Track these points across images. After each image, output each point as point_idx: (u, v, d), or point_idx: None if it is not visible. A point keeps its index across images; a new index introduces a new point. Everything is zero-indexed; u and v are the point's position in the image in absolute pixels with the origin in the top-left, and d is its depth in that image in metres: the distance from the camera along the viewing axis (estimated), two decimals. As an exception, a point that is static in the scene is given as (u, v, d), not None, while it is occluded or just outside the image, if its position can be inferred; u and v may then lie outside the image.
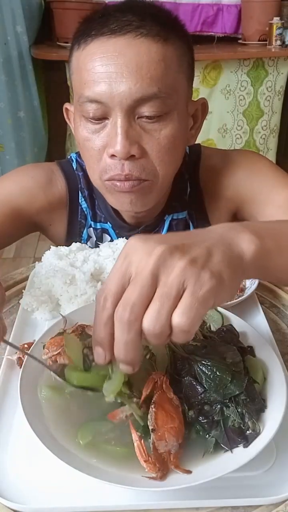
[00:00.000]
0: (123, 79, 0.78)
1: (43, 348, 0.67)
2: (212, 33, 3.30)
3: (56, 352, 0.63)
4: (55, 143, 3.48)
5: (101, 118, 0.83)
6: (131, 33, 0.79)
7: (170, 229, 1.07)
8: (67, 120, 1.00)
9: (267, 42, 3.12)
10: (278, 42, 3.08)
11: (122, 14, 0.81)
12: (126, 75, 0.78)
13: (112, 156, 0.84)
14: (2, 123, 3.13)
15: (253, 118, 3.22)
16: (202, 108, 0.96)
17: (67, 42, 2.99)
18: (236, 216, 1.10)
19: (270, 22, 3.06)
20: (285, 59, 3.07)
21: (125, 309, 0.46)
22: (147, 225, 1.04)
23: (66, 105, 0.98)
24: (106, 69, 0.79)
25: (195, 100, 0.94)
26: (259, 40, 3.18)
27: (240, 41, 3.30)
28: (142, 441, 0.54)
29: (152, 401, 0.56)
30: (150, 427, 0.55)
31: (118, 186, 0.88)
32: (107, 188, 0.90)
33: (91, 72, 0.80)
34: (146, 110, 0.81)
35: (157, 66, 0.79)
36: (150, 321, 0.45)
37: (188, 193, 1.07)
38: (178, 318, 0.45)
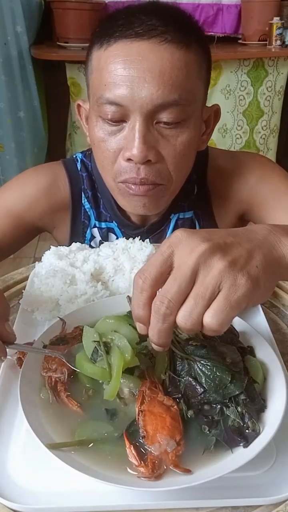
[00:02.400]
0: (146, 84, 0.78)
1: (43, 347, 0.67)
2: (212, 33, 3.30)
3: (56, 375, 0.63)
4: (55, 143, 3.48)
5: (119, 120, 0.83)
6: (156, 38, 0.78)
7: (175, 228, 1.07)
8: (78, 116, 0.99)
9: (267, 42, 3.12)
10: (278, 42, 3.07)
11: (147, 17, 0.80)
12: (149, 80, 0.78)
13: (128, 159, 0.84)
14: (2, 123, 3.13)
15: (253, 118, 3.22)
16: (215, 115, 0.96)
17: (67, 42, 2.99)
18: (243, 218, 1.11)
19: (270, 22, 3.06)
20: (285, 59, 3.07)
21: (163, 303, 0.49)
22: (152, 223, 1.05)
23: (79, 102, 0.97)
24: (129, 72, 0.78)
25: (209, 106, 0.94)
26: (259, 40, 3.18)
27: (240, 41, 3.30)
28: (132, 448, 0.54)
29: (139, 410, 0.57)
30: (141, 435, 0.55)
31: (133, 189, 0.88)
32: (120, 190, 0.91)
33: (113, 74, 0.80)
34: (165, 116, 0.81)
35: (179, 73, 0.79)
36: (183, 317, 0.49)
37: (195, 193, 1.07)
38: (209, 319, 0.48)
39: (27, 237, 1.11)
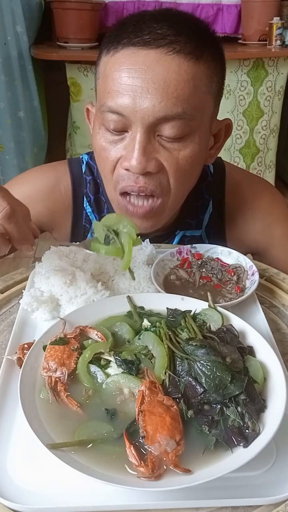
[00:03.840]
0: (148, 95, 0.76)
1: (44, 350, 0.67)
2: (212, 33, 3.30)
3: (56, 375, 0.63)
4: (55, 143, 3.48)
5: (121, 130, 0.82)
6: (163, 48, 0.76)
7: (180, 244, 1.06)
8: (87, 120, 0.98)
9: (267, 42, 3.12)
10: (278, 42, 3.08)
11: (158, 24, 0.77)
12: (152, 91, 0.76)
13: (127, 169, 0.83)
14: (2, 123, 3.13)
15: (253, 118, 3.22)
16: (226, 129, 0.93)
17: (67, 42, 2.99)
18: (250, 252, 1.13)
19: (270, 22, 3.06)
20: (285, 59, 3.07)
21: None
22: (157, 236, 1.03)
23: (88, 106, 0.96)
24: (132, 81, 0.76)
25: (220, 120, 0.91)
26: (259, 40, 3.18)
27: (240, 41, 3.30)
28: (132, 448, 0.54)
29: (139, 410, 0.57)
30: (141, 435, 0.55)
31: (130, 211, 0.88)
32: (119, 205, 0.90)
33: (117, 82, 0.78)
34: (167, 129, 0.79)
35: (185, 86, 0.76)
36: None
37: (210, 213, 1.06)
38: None
39: None
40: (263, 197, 1.08)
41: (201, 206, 1.06)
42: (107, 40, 0.82)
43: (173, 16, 0.82)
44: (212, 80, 0.82)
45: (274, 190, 1.13)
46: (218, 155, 1.11)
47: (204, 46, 0.79)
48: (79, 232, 1.09)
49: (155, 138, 0.81)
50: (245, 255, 1.11)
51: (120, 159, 0.84)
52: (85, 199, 1.07)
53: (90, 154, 1.08)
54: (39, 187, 1.05)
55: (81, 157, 1.09)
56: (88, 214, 1.07)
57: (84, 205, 1.07)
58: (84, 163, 1.08)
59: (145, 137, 0.79)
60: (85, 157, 1.09)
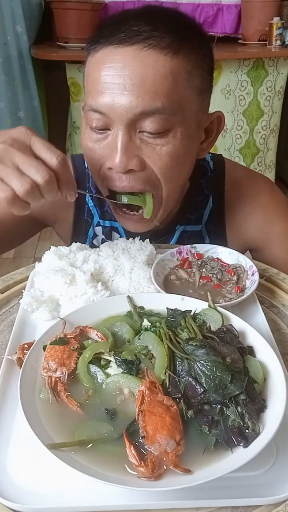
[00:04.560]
0: (126, 91, 0.76)
1: (44, 350, 0.67)
2: (212, 33, 3.30)
3: (56, 375, 0.63)
4: (55, 143, 3.45)
5: (104, 128, 0.82)
6: (139, 44, 0.76)
7: (181, 239, 1.07)
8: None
9: (267, 42, 3.12)
10: (278, 42, 3.08)
11: (136, 21, 0.78)
12: (129, 87, 0.76)
13: (110, 169, 0.83)
14: (2, 123, 3.13)
15: (253, 118, 3.22)
16: (218, 122, 0.93)
17: (67, 42, 2.99)
18: (248, 249, 1.14)
19: (270, 22, 3.06)
20: (285, 59, 3.07)
21: None
22: (157, 230, 1.04)
23: (83, 105, 0.97)
24: (111, 79, 0.77)
25: (211, 112, 0.91)
26: (259, 40, 3.18)
27: (240, 41, 3.30)
28: (132, 448, 0.54)
29: (139, 410, 0.57)
30: (141, 435, 0.55)
31: (121, 216, 0.91)
32: (112, 206, 0.92)
33: (96, 81, 0.79)
34: (147, 125, 0.79)
35: (163, 80, 0.77)
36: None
37: (210, 209, 1.07)
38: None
39: (27, 229, 1.11)
40: (263, 193, 1.08)
41: (201, 202, 1.07)
42: (89, 42, 0.84)
43: (153, 12, 0.83)
44: (193, 74, 0.81)
45: (274, 187, 1.14)
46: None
47: (182, 40, 0.79)
48: (81, 226, 1.09)
49: (136, 135, 0.81)
50: (244, 251, 1.12)
51: (104, 158, 0.84)
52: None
53: None
54: None
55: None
56: (90, 208, 1.08)
57: (87, 199, 1.08)
58: None
59: (126, 134, 0.80)
60: None
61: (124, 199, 0.86)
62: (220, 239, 1.08)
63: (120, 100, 0.77)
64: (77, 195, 0.76)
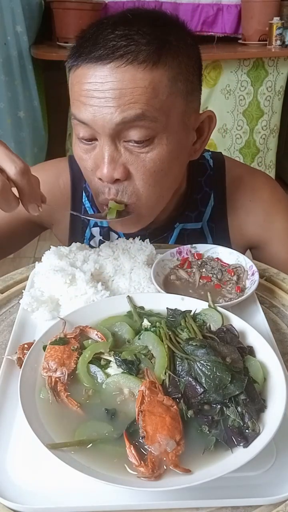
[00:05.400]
0: (106, 103, 0.77)
1: (44, 350, 0.67)
2: (212, 33, 3.31)
3: (56, 375, 0.63)
4: (55, 143, 3.48)
5: (91, 139, 0.83)
6: (116, 61, 0.76)
7: (180, 237, 1.07)
8: None
9: (267, 42, 3.12)
10: (278, 42, 3.08)
11: (113, 34, 0.78)
12: (109, 100, 0.77)
13: (100, 179, 0.84)
14: (2, 123, 3.13)
15: (253, 118, 3.22)
16: (209, 121, 0.92)
17: (67, 42, 2.99)
18: (249, 247, 1.14)
19: (270, 22, 3.06)
20: (285, 59, 3.07)
21: None
22: (156, 228, 1.04)
23: None
24: (91, 94, 0.78)
25: (201, 112, 0.91)
26: (259, 40, 3.18)
27: (240, 41, 3.30)
28: (132, 448, 0.54)
29: (139, 410, 0.57)
30: (141, 435, 0.55)
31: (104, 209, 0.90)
32: (102, 208, 0.92)
33: (78, 94, 0.81)
34: (132, 134, 0.80)
35: (142, 92, 0.77)
36: None
37: (212, 207, 1.07)
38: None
39: (26, 232, 1.11)
40: (264, 189, 1.09)
41: (201, 199, 1.07)
42: (70, 55, 0.84)
43: (131, 21, 0.81)
44: (176, 79, 0.81)
45: (274, 183, 1.14)
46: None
47: (162, 49, 0.78)
48: (77, 227, 1.10)
49: (121, 144, 0.82)
50: (246, 249, 1.13)
51: (94, 168, 0.86)
52: (83, 193, 1.08)
53: None
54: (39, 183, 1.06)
55: None
56: (87, 209, 1.08)
57: (83, 200, 1.08)
58: None
59: (111, 145, 0.81)
60: None
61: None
62: (223, 237, 1.08)
63: (101, 111, 0.78)
64: (41, 210, 0.74)
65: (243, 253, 0.99)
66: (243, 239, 1.10)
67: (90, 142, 0.84)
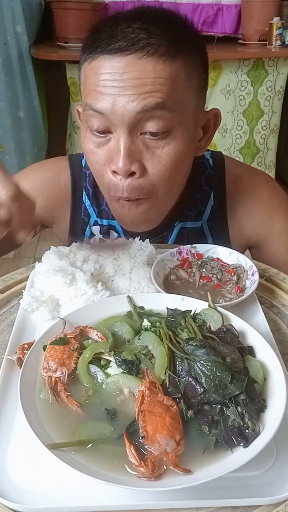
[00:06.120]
0: (126, 92, 0.77)
1: (44, 350, 0.67)
2: (212, 33, 3.31)
3: (56, 375, 0.63)
4: (55, 143, 3.48)
5: (105, 131, 0.83)
6: (137, 53, 0.77)
7: (180, 236, 1.07)
8: (79, 121, 1.00)
9: (267, 42, 3.12)
10: (278, 42, 3.08)
11: (131, 28, 0.78)
12: (129, 89, 0.77)
13: (114, 172, 0.84)
14: (2, 123, 3.13)
15: (253, 118, 3.22)
16: (214, 119, 0.94)
17: (67, 42, 2.99)
18: (248, 247, 1.15)
19: (270, 22, 3.06)
20: (285, 59, 3.07)
21: None
22: (155, 227, 1.04)
23: (78, 107, 0.97)
24: (111, 84, 0.78)
25: (207, 110, 0.92)
26: (259, 40, 3.18)
27: (240, 41, 3.30)
28: (132, 448, 0.54)
29: (139, 410, 0.57)
30: (141, 435, 0.55)
31: (122, 214, 0.90)
32: (112, 203, 0.92)
33: (95, 84, 0.80)
34: (149, 126, 0.80)
35: (162, 83, 0.78)
36: None
37: (212, 205, 1.08)
38: None
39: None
40: (264, 188, 1.09)
41: (201, 198, 1.07)
42: (85, 47, 0.84)
43: (146, 16, 0.83)
44: (191, 74, 0.83)
45: (274, 183, 1.15)
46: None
47: (179, 44, 0.80)
48: (77, 226, 1.10)
49: (138, 138, 0.82)
50: (245, 248, 1.13)
51: (107, 162, 0.85)
52: (84, 192, 1.08)
53: None
54: (39, 182, 1.07)
55: (81, 152, 1.11)
56: (87, 207, 1.08)
57: (83, 199, 1.08)
58: (84, 158, 1.09)
59: (128, 137, 0.81)
60: None
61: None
62: (223, 236, 1.08)
63: (121, 100, 0.78)
64: (32, 236, 0.70)
65: (243, 252, 0.99)
66: (242, 238, 1.10)
67: (103, 135, 0.83)
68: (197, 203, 1.07)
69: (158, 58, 0.77)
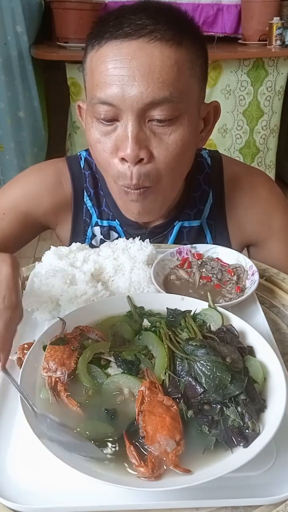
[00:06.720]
0: (135, 82, 0.78)
1: (44, 350, 0.67)
2: (212, 33, 3.30)
3: (56, 375, 0.63)
4: (55, 143, 3.48)
5: (112, 119, 0.83)
6: (145, 37, 0.78)
7: (179, 235, 1.08)
8: (79, 117, 1.00)
9: (267, 42, 3.12)
10: (278, 42, 3.08)
11: (137, 16, 0.80)
12: (138, 78, 0.78)
13: (122, 159, 0.84)
14: (2, 123, 3.13)
15: (253, 118, 3.22)
16: (214, 111, 0.95)
17: (67, 42, 2.99)
18: (247, 245, 1.15)
19: (270, 22, 3.06)
20: (285, 59, 3.07)
21: None
22: (155, 226, 1.05)
23: (79, 103, 0.98)
24: (119, 72, 0.79)
25: (208, 102, 0.94)
26: (259, 40, 3.18)
27: (240, 41, 3.30)
28: (132, 448, 0.54)
29: (139, 410, 0.57)
30: (141, 435, 0.55)
31: (129, 202, 0.90)
32: (120, 193, 0.92)
33: (104, 74, 0.80)
34: (156, 113, 0.81)
35: (169, 70, 0.79)
36: None
37: (211, 204, 1.08)
38: None
39: (32, 233, 1.12)
40: (262, 187, 1.10)
41: (200, 197, 1.07)
42: (90, 37, 0.85)
43: (150, 6, 0.84)
44: (194, 63, 0.84)
45: (272, 182, 1.16)
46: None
47: (183, 32, 0.81)
48: (79, 227, 1.10)
49: (145, 125, 0.82)
50: (244, 247, 1.13)
51: (115, 151, 0.85)
52: (85, 193, 1.08)
53: (88, 151, 1.09)
54: (43, 183, 1.07)
55: (79, 153, 1.11)
56: (88, 208, 1.09)
57: (84, 200, 1.08)
58: (83, 159, 1.09)
59: (136, 124, 0.81)
60: (83, 153, 1.10)
61: None
62: (222, 234, 1.09)
63: (131, 91, 0.78)
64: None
65: (241, 250, 0.99)
66: (241, 237, 1.10)
67: (110, 123, 0.84)
68: (196, 202, 1.07)
69: (165, 43, 0.79)
